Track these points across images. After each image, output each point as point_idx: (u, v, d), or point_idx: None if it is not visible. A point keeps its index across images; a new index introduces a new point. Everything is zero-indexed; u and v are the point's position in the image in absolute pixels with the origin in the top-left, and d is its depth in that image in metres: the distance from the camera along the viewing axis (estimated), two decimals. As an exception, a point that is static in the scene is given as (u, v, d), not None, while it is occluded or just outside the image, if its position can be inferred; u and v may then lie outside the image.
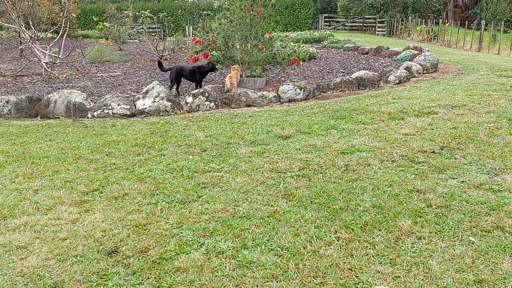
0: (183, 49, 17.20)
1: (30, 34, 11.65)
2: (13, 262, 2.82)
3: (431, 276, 2.56)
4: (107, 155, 4.91)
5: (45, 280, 2.61)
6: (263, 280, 2.59)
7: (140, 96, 7.33)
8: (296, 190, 3.82)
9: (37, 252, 2.91)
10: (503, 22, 20.13)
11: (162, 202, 3.68)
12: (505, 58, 15.25)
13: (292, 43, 12.69)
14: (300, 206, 3.52)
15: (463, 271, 2.59)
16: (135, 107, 7.08)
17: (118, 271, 2.70)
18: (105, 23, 20.32)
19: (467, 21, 25.23)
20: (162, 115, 6.95)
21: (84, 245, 3.00)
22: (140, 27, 21.84)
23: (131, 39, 22.12)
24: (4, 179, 4.24)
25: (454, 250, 2.81)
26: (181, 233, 3.15)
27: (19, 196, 3.83)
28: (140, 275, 2.66)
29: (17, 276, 2.67)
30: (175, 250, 2.92)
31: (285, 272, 2.67)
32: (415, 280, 2.53)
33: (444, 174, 4.03)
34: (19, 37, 14.06)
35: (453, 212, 3.30)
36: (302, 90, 7.83)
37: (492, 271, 2.59)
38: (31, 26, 11.96)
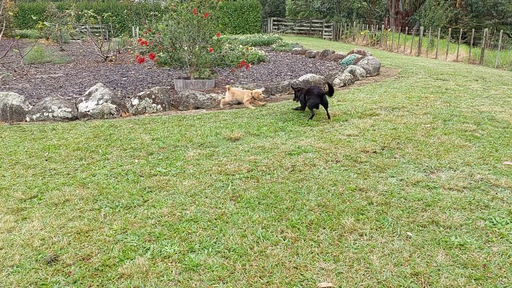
0: (129, 50, 16.80)
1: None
2: None
3: (371, 271, 2.66)
4: (46, 160, 4.71)
5: (-23, 294, 2.47)
6: (210, 283, 2.59)
7: (83, 98, 7.08)
8: (244, 192, 3.84)
9: (-31, 264, 2.74)
10: (439, 29, 21.31)
11: (105, 207, 3.57)
12: (442, 62, 16.15)
13: (241, 46, 12.77)
14: (248, 207, 3.55)
15: (401, 265, 2.72)
16: (78, 110, 6.83)
17: (58, 280, 2.60)
18: (45, 23, 19.43)
19: (407, 27, 26.48)
20: (106, 118, 6.75)
21: (22, 255, 2.85)
22: (83, 27, 21.08)
23: (73, 39, 21.30)
24: None
25: (393, 245, 2.94)
26: (126, 238, 3.08)
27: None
28: (81, 283, 2.57)
29: None
30: (119, 256, 2.85)
31: (232, 273, 2.68)
32: (357, 275, 2.62)
33: (384, 173, 4.21)
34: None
35: (392, 209, 3.45)
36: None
37: (428, 264, 2.73)
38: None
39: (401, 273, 2.63)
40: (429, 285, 2.53)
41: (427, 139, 5.25)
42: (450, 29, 20.49)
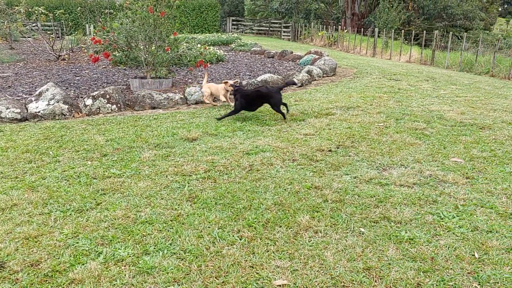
0: (83, 48, 16.29)
1: None
2: None
3: (325, 267, 2.72)
4: (-7, 163, 4.49)
5: None
6: (165, 285, 2.55)
7: (33, 98, 6.80)
8: (201, 192, 3.81)
9: None
10: (393, 30, 22.03)
11: (56, 211, 3.45)
12: (395, 63, 16.70)
13: (199, 45, 12.68)
14: (205, 208, 3.53)
15: (354, 260, 2.79)
16: (27, 111, 6.55)
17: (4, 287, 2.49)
18: (-9, 20, 18.50)
19: (363, 29, 27.19)
20: (58, 119, 6.52)
21: (-37, 263, 2.71)
22: (34, 24, 20.24)
23: (24, 37, 20.42)
24: None
25: (347, 241, 3.01)
26: (77, 243, 2.99)
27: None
28: (29, 290, 2.47)
29: None
30: (70, 261, 2.76)
31: (187, 274, 2.65)
32: (311, 272, 2.66)
33: (339, 171, 4.30)
34: None
35: (346, 206, 3.53)
36: (208, 92, 7.83)
37: (379, 258, 2.81)
38: None
39: (353, 268, 2.70)
40: (380, 278, 2.61)
41: (380, 138, 5.41)
42: (403, 31, 21.22)
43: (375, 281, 2.59)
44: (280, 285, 2.55)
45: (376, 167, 4.43)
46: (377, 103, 7.44)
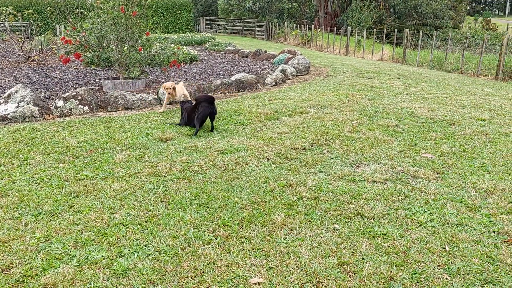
0: (53, 49, 15.93)
1: None
2: None
3: (300, 264, 2.75)
4: (-41, 168, 4.35)
5: None
6: (140, 286, 2.53)
7: (2, 101, 6.61)
8: (176, 193, 3.79)
9: None
10: (365, 29, 22.36)
11: (27, 215, 3.37)
12: (368, 61, 16.97)
13: (172, 45, 12.58)
14: (180, 208, 3.51)
15: (329, 256, 2.83)
16: (-4, 113, 6.37)
17: (-28, 296, 2.42)
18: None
19: (336, 27, 27.52)
20: (28, 121, 6.36)
21: None
22: (1, 25, 19.66)
23: (-9, 37, 19.82)
24: None
25: (321, 237, 3.05)
26: (49, 247, 2.93)
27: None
28: (-1, 297, 2.41)
29: None
30: (42, 266, 2.70)
31: (163, 275, 2.64)
32: (287, 269, 2.69)
33: (313, 169, 4.35)
34: None
35: (321, 203, 3.58)
36: (182, 92, 7.78)
37: (353, 254, 2.86)
38: None
39: (328, 264, 2.74)
40: (354, 273, 2.65)
41: (353, 135, 5.50)
42: (375, 29, 21.57)
43: (349, 276, 2.63)
44: (256, 283, 2.57)
45: (350, 164, 4.50)
46: (350, 101, 7.56)
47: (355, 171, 4.30)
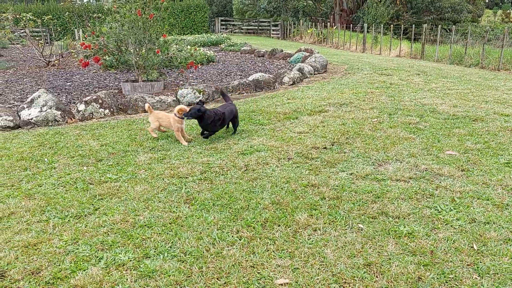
0: (72, 54, 16.20)
1: None
2: None
3: (326, 264, 2.73)
4: (-13, 172, 4.45)
5: None
6: (167, 288, 2.56)
7: (25, 105, 6.75)
8: (199, 194, 3.81)
9: None
10: (382, 25, 22.12)
11: (54, 218, 3.43)
12: (386, 58, 16.78)
13: (188, 46, 12.66)
14: (203, 209, 3.53)
15: (354, 256, 2.81)
16: (20, 118, 6.51)
17: (5, 298, 2.47)
18: (-21, 27, 18.33)
19: (352, 24, 27.29)
20: (51, 125, 6.48)
21: (-38, 275, 2.69)
22: (22, 31, 20.06)
23: (12, 44, 20.25)
24: None
25: (346, 237, 3.03)
26: (77, 249, 2.98)
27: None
28: (31, 299, 2.46)
29: None
30: (71, 268, 2.75)
31: (189, 277, 2.66)
32: (312, 270, 2.68)
33: (335, 168, 4.33)
34: None
35: (344, 203, 3.55)
36: (201, 93, 7.84)
37: (379, 254, 2.84)
38: None
39: (354, 265, 2.72)
40: (381, 274, 2.63)
41: (374, 133, 5.45)
42: (392, 25, 21.32)
43: (376, 277, 2.61)
44: (282, 284, 2.56)
45: (372, 162, 4.46)
46: (369, 98, 7.48)
47: (378, 170, 4.26)
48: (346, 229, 3.15)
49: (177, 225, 3.29)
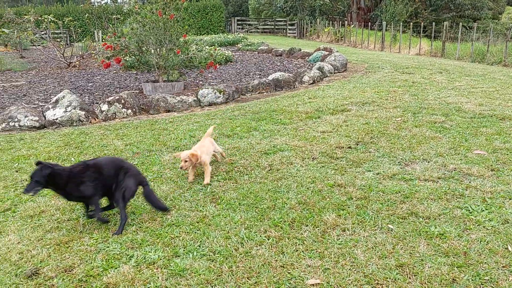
0: (93, 55, 16.41)
1: None
2: None
3: (357, 265, 2.70)
4: (17, 171, 4.54)
5: (-45, 315, 2.35)
6: (198, 287, 2.56)
7: (50, 106, 6.86)
8: (224, 193, 3.82)
9: None
10: (401, 23, 21.86)
11: (83, 216, 3.47)
12: (405, 56, 16.58)
13: (207, 47, 12.71)
14: (229, 208, 3.53)
15: (386, 257, 2.78)
16: (45, 118, 6.62)
17: (40, 295, 2.51)
18: (3, 29, 18.72)
19: (369, 23, 27.03)
20: (76, 125, 6.57)
21: (0, 270, 2.74)
22: (43, 32, 20.40)
23: (34, 45, 20.63)
24: None
25: (376, 238, 3.00)
26: (108, 247, 3.01)
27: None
28: (65, 296, 2.50)
29: None
30: (103, 266, 2.78)
31: (219, 276, 2.66)
32: (343, 270, 2.66)
33: (361, 168, 4.28)
34: None
35: (372, 203, 3.52)
36: (222, 93, 7.86)
37: (411, 255, 2.80)
38: None
39: (386, 266, 2.69)
40: (414, 275, 2.59)
41: (399, 132, 5.38)
42: (411, 23, 21.05)
43: (409, 278, 2.57)
44: (313, 285, 2.55)
45: (398, 162, 4.40)
46: (392, 97, 7.40)
47: (405, 170, 4.20)
48: (375, 230, 3.11)
49: (204, 224, 3.30)
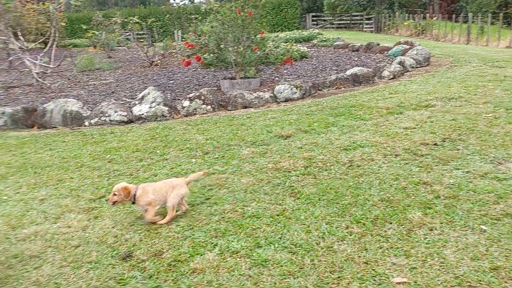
0: (172, 54, 17.16)
1: (19, 45, 11.54)
2: (27, 271, 2.79)
3: (447, 266, 2.58)
4: (109, 162, 4.89)
5: (62, 288, 2.60)
6: (281, 278, 2.59)
7: (136, 102, 7.29)
8: (303, 188, 3.82)
9: (51, 261, 2.89)
10: (490, 14, 20.35)
11: (170, 205, 3.66)
12: (494, 49, 15.43)
13: (283, 43, 12.75)
14: (309, 203, 3.53)
15: (478, 259, 2.61)
16: (132, 113, 7.05)
17: (134, 275, 2.69)
18: (94, 31, 20.21)
19: (453, 14, 25.46)
20: (159, 120, 6.93)
21: (98, 251, 2.98)
22: (128, 33, 21.71)
23: (119, 46, 22.02)
24: (8, 190, 4.21)
25: (467, 239, 2.83)
26: (193, 235, 3.14)
27: (26, 206, 3.80)
28: (157, 278, 2.65)
29: (33, 285, 2.65)
30: (189, 252, 2.91)
31: (301, 268, 2.67)
32: (432, 270, 2.54)
33: (448, 166, 4.06)
34: (8, 48, 13.93)
35: (461, 202, 3.32)
36: (298, 89, 7.85)
37: (507, 258, 2.61)
38: (20, 37, 11.86)
39: (479, 268, 2.53)
40: (511, 279, 2.41)
41: (490, 129, 5.02)
42: (501, 14, 19.53)
43: (505, 282, 2.40)
44: (399, 283, 2.47)
45: (490, 160, 4.12)
46: (481, 92, 6.92)
47: (498, 169, 3.92)
48: (466, 230, 2.94)
49: (284, 217, 3.33)
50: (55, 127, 6.88)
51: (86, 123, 6.92)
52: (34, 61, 11.06)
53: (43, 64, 11.25)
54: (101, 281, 2.65)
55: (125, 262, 2.84)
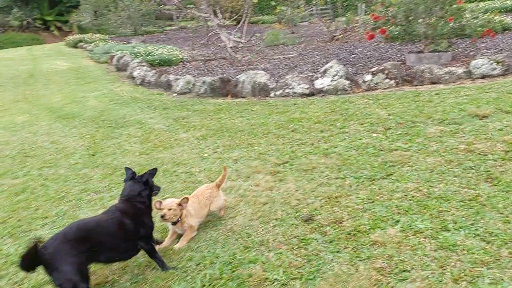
0: (355, 28, 16.83)
1: (217, 22, 12.82)
2: (224, 220, 3.17)
3: None
4: (292, 131, 5.13)
5: (253, 238, 2.88)
6: (471, 265, 2.39)
7: (319, 75, 7.42)
8: (502, 174, 3.41)
9: (243, 213, 3.22)
10: None
11: (349, 177, 3.68)
12: None
13: (482, 13, 11.30)
14: (509, 191, 3.13)
15: None
16: (313, 86, 7.21)
17: (315, 237, 2.81)
18: (281, 7, 21.12)
19: None
20: (339, 94, 6.93)
21: (282, 211, 3.20)
22: (311, 9, 22.06)
23: (302, 21, 22.57)
24: (208, 149, 4.80)
25: None
26: (373, 208, 3.11)
27: (222, 164, 4.28)
28: (337, 244, 2.72)
29: (229, 232, 3.00)
30: (369, 224, 2.89)
31: (497, 259, 2.41)
32: None
33: None
34: (206, 25, 15.61)
35: None
36: (500, 64, 6.90)
37: None
38: (217, 14, 13.15)
39: None
40: None
41: None
42: None
43: None
44: None
45: None
46: None
47: None
48: None
49: (477, 203, 3.03)
50: (245, 97, 7.51)
51: (272, 94, 7.36)
52: (229, 37, 12.17)
53: (235, 39, 12.30)
54: (285, 237, 2.85)
55: (307, 224, 2.98)
